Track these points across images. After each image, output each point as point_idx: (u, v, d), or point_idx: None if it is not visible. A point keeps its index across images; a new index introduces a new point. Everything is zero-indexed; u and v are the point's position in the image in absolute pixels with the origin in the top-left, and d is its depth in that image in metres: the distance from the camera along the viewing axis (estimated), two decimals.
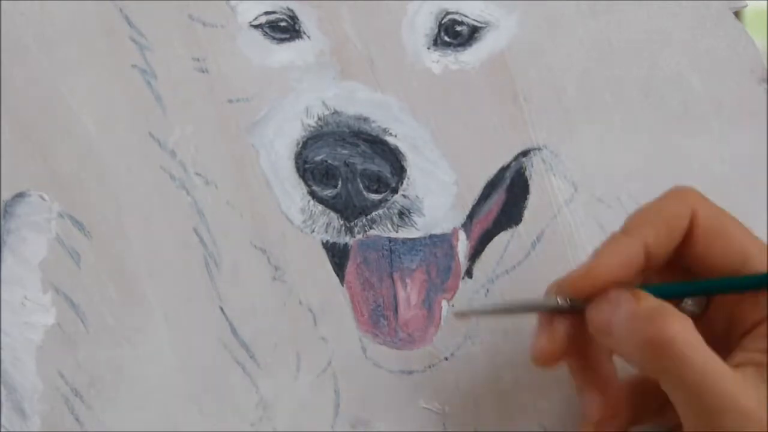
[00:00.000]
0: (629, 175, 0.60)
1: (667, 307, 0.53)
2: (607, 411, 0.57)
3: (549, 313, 0.56)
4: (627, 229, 0.55)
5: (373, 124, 0.61)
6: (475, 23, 0.63)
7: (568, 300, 0.55)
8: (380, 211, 0.61)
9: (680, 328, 0.52)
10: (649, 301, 0.54)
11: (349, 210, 0.61)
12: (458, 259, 0.62)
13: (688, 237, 0.55)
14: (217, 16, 0.63)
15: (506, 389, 0.62)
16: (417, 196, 0.61)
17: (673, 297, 0.56)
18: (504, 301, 0.61)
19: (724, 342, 0.55)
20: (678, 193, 0.56)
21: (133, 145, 0.62)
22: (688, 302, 0.57)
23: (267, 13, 0.63)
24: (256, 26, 0.63)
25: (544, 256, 0.62)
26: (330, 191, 0.61)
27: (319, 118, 0.61)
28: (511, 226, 0.63)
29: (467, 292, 0.62)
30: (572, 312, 0.55)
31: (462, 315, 0.61)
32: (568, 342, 0.56)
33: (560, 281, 0.56)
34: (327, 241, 0.62)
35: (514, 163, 0.63)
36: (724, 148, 0.63)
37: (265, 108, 0.62)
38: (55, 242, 0.62)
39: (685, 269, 0.56)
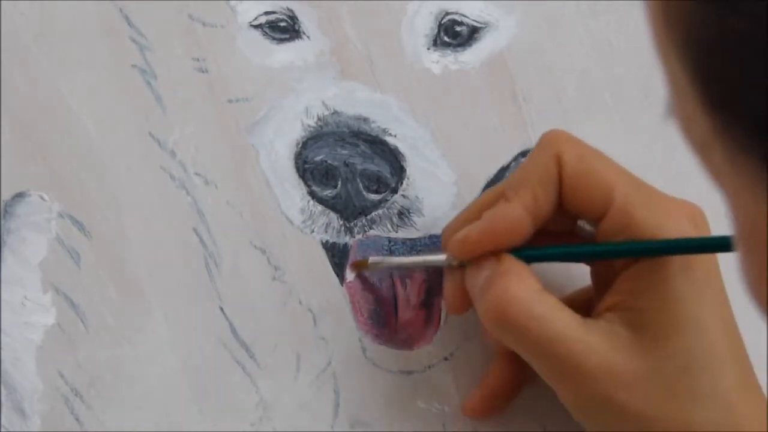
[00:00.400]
0: None
1: (512, 272, 0.53)
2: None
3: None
4: (505, 195, 0.55)
5: (372, 125, 0.61)
6: (475, 23, 0.63)
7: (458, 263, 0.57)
8: (380, 211, 0.61)
9: (517, 293, 0.52)
10: (504, 264, 0.54)
11: (348, 210, 0.61)
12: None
13: (559, 183, 0.55)
14: (217, 16, 0.63)
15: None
16: (417, 196, 0.61)
17: (546, 260, 0.56)
18: (410, 258, 0.61)
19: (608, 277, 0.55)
20: (543, 144, 0.56)
21: (133, 145, 0.62)
22: (585, 226, 0.57)
23: (267, 13, 0.63)
24: (256, 26, 0.63)
25: None
26: (330, 191, 0.61)
27: (319, 119, 0.61)
28: None
29: None
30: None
31: (360, 266, 0.61)
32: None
33: (449, 241, 0.57)
34: (327, 241, 0.62)
35: (513, 163, 0.63)
36: None
37: (265, 108, 0.62)
38: (55, 242, 0.62)
39: (567, 212, 0.56)
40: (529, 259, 0.55)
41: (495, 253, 0.55)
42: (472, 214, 0.57)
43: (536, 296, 0.52)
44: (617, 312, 0.53)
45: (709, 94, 0.31)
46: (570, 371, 0.51)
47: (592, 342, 0.51)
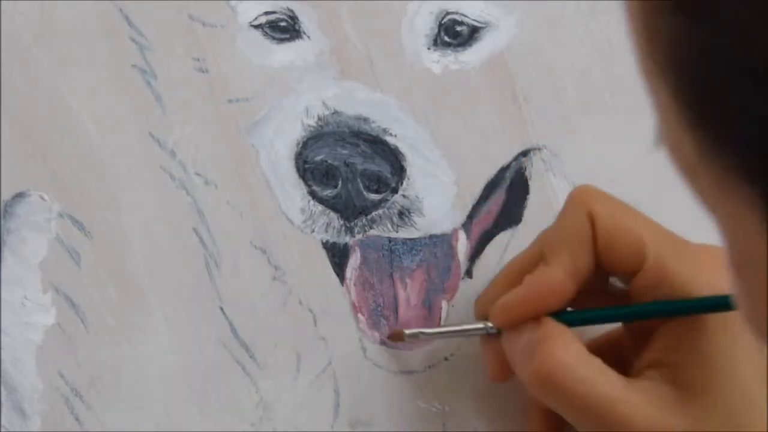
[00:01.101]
0: (629, 175, 0.60)
1: (554, 336, 0.53)
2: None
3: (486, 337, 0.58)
4: (544, 258, 0.55)
5: (373, 124, 0.61)
6: (475, 23, 0.63)
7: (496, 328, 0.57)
8: (380, 211, 0.61)
9: (563, 358, 0.52)
10: (545, 328, 0.54)
11: (349, 210, 0.61)
12: (458, 259, 0.62)
13: (594, 243, 0.55)
14: (217, 16, 0.63)
15: (506, 389, 0.61)
16: (417, 196, 0.61)
17: (586, 323, 0.56)
18: (446, 327, 0.61)
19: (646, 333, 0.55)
20: (575, 202, 0.56)
21: (133, 145, 0.62)
22: (617, 283, 0.57)
23: (267, 13, 0.63)
24: (256, 26, 0.63)
25: None
26: (330, 191, 0.61)
27: (319, 118, 0.61)
28: (511, 227, 0.63)
29: (467, 292, 0.62)
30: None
31: (397, 338, 0.61)
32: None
33: (492, 309, 0.57)
34: (327, 241, 0.62)
35: (513, 163, 0.63)
36: None
37: (265, 108, 0.62)
38: (55, 242, 0.62)
39: (599, 270, 0.56)
40: (568, 323, 0.55)
41: (535, 318, 0.55)
42: (509, 279, 0.57)
43: (581, 359, 0.52)
44: (658, 369, 0.53)
45: (692, 113, 0.30)
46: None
47: (637, 402, 0.51)
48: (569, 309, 0.56)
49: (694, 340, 0.53)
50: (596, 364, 0.52)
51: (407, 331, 0.60)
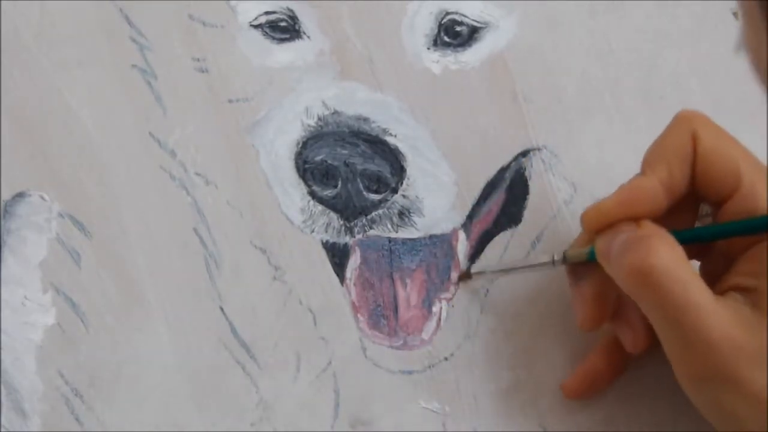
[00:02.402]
0: (629, 175, 0.60)
1: (658, 235, 0.54)
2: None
3: (574, 276, 0.58)
4: (642, 170, 0.56)
5: (373, 124, 0.61)
6: (475, 23, 0.63)
7: (564, 255, 0.57)
8: (380, 211, 0.61)
9: (664, 256, 0.52)
10: (646, 228, 0.54)
11: (349, 210, 0.61)
12: (458, 259, 0.62)
13: (693, 162, 0.56)
14: (217, 16, 0.63)
15: (506, 389, 0.62)
16: (417, 196, 0.61)
17: (690, 241, 0.56)
18: (509, 262, 0.61)
19: (727, 263, 0.56)
20: (680, 121, 0.56)
21: (133, 145, 0.62)
22: (705, 209, 0.58)
23: (267, 13, 0.63)
24: (256, 26, 0.63)
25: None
26: (330, 191, 0.61)
27: (319, 118, 0.61)
28: (510, 227, 0.63)
29: (467, 292, 0.62)
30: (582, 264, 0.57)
31: (468, 276, 0.61)
32: (601, 300, 0.57)
33: (584, 213, 0.57)
34: (327, 241, 0.62)
35: (513, 163, 0.63)
36: None
37: (265, 108, 0.62)
38: (55, 242, 0.62)
39: (697, 193, 0.57)
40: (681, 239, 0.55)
41: (634, 220, 0.55)
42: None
43: (682, 261, 0.53)
44: (740, 291, 0.54)
45: None
46: (699, 341, 0.51)
47: (723, 315, 0.52)
48: None
49: None
50: (693, 270, 0.53)
51: (473, 270, 0.61)
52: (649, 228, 0.54)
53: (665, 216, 0.56)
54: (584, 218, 0.57)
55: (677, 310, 0.52)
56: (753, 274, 0.54)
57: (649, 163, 0.56)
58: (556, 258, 0.58)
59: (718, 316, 0.51)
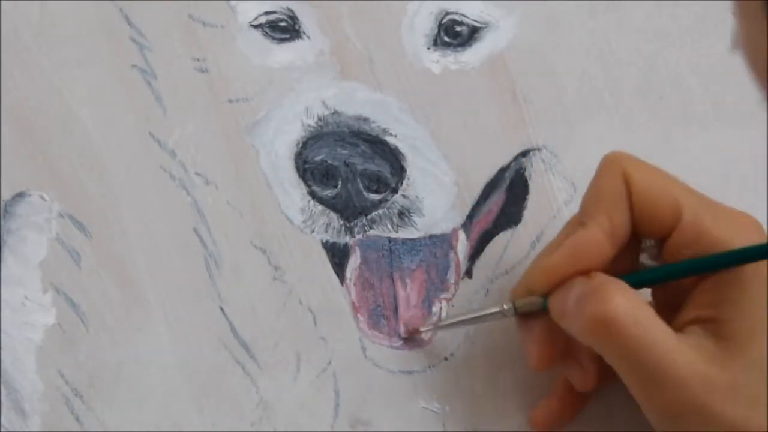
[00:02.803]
0: None
1: (611, 283, 0.53)
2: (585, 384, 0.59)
3: (524, 318, 0.58)
4: (581, 220, 0.56)
5: (373, 124, 0.61)
6: (475, 23, 0.63)
7: (514, 306, 0.57)
8: (380, 211, 0.61)
9: (621, 303, 0.52)
10: (598, 278, 0.54)
11: (349, 210, 0.61)
12: (458, 259, 0.62)
13: (630, 204, 0.56)
14: (217, 16, 0.63)
15: (506, 389, 0.62)
16: (417, 196, 0.61)
17: (644, 284, 0.56)
18: (462, 314, 0.61)
19: (677, 293, 0.56)
20: (608, 165, 0.56)
21: (133, 145, 0.62)
22: (647, 260, 0.58)
23: (267, 13, 0.63)
24: (256, 26, 0.63)
25: None
26: (330, 191, 0.61)
27: (319, 118, 0.61)
28: (510, 227, 0.63)
29: (467, 292, 0.62)
30: (533, 314, 0.57)
31: (424, 332, 0.61)
32: (551, 341, 0.57)
33: (524, 281, 0.57)
34: (327, 241, 0.62)
35: (513, 163, 0.63)
36: (724, 148, 0.63)
37: (265, 108, 0.62)
38: (55, 242, 0.62)
39: (638, 231, 0.57)
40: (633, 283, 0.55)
41: (583, 273, 0.55)
42: (540, 259, 0.57)
43: (638, 305, 0.53)
44: (699, 324, 0.54)
45: None
46: (667, 380, 0.51)
47: (687, 352, 0.52)
48: None
49: (733, 294, 0.53)
50: (651, 312, 0.53)
51: (422, 329, 0.61)
52: (601, 278, 0.54)
53: (611, 261, 0.56)
54: (531, 280, 0.57)
55: (641, 354, 0.51)
56: (711, 305, 0.54)
57: (587, 212, 0.56)
58: (506, 308, 0.58)
59: (682, 353, 0.51)
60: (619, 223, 0.55)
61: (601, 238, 0.55)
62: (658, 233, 0.56)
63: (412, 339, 0.61)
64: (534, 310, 0.57)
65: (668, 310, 0.56)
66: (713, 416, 0.51)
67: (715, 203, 0.56)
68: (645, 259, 0.58)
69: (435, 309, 0.62)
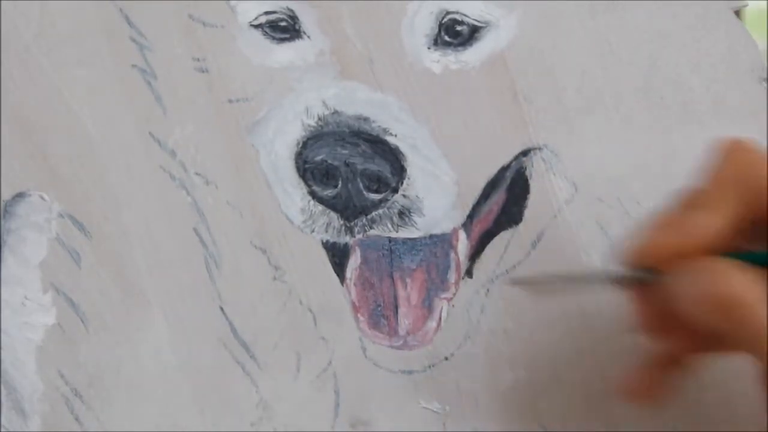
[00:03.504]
0: (629, 175, 0.60)
1: (735, 265, 0.53)
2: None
3: (640, 288, 0.56)
4: (705, 203, 0.55)
5: (373, 124, 0.61)
6: (476, 23, 0.63)
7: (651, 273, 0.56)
8: (380, 211, 0.61)
9: (747, 285, 0.52)
10: (720, 263, 0.54)
11: (349, 210, 0.61)
12: (458, 258, 0.62)
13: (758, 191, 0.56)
14: (217, 16, 0.63)
15: (506, 389, 0.62)
16: (417, 196, 0.61)
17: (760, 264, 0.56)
18: (567, 271, 0.61)
19: None
20: (737, 152, 0.55)
21: (133, 145, 0.62)
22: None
23: (267, 13, 0.63)
24: (256, 26, 0.63)
25: (544, 256, 0.62)
26: (330, 191, 0.61)
27: (319, 118, 0.61)
28: (511, 226, 0.63)
29: (467, 292, 0.62)
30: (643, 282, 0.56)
31: (519, 283, 0.61)
32: (661, 312, 0.56)
33: (639, 252, 0.56)
34: (327, 241, 0.62)
35: (514, 162, 0.63)
36: None
37: (265, 108, 0.62)
38: (55, 242, 0.62)
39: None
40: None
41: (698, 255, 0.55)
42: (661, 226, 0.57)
43: (757, 284, 0.53)
44: None
45: None
46: None
47: None
48: None
49: None
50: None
51: (525, 278, 0.60)
52: (725, 260, 0.54)
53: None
54: (646, 253, 0.56)
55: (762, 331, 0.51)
56: None
57: (712, 196, 0.55)
58: (645, 275, 0.56)
59: None
60: (741, 212, 0.55)
61: (721, 225, 0.55)
62: None
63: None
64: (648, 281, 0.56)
65: None
66: None
67: None
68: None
69: (435, 309, 0.62)
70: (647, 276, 0.55)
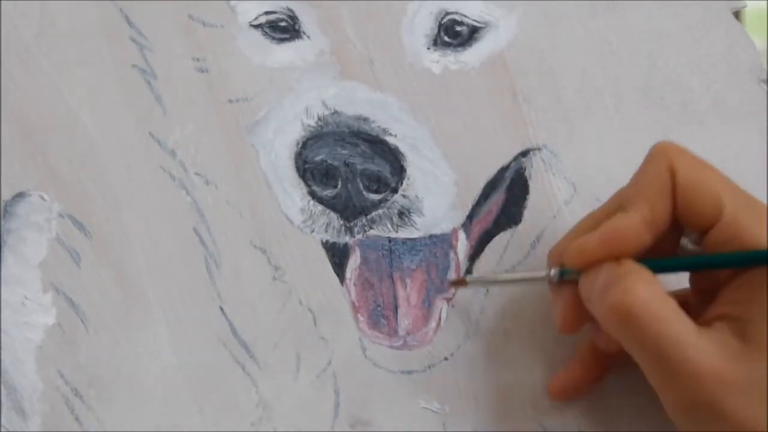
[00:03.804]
0: (629, 175, 0.60)
1: (635, 273, 0.54)
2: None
3: (557, 284, 0.58)
4: (623, 206, 0.56)
5: (373, 124, 0.61)
6: (475, 23, 0.63)
7: (559, 273, 0.57)
8: (380, 211, 0.61)
9: (641, 294, 0.53)
10: (624, 267, 0.54)
11: (348, 210, 0.61)
12: (458, 259, 0.62)
13: (673, 195, 0.56)
14: (217, 16, 0.63)
15: (506, 389, 0.62)
16: (417, 196, 0.61)
17: (670, 271, 0.56)
18: (503, 274, 0.61)
19: (711, 285, 0.56)
20: (655, 155, 0.56)
21: (133, 145, 0.62)
22: (688, 245, 0.58)
23: (267, 13, 0.63)
24: (256, 26, 0.63)
25: (543, 256, 0.62)
26: (330, 191, 0.61)
27: (319, 118, 0.61)
28: (510, 226, 0.63)
29: (467, 292, 0.62)
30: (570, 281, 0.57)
31: (459, 284, 0.61)
32: (580, 307, 0.57)
33: (561, 253, 0.57)
34: (327, 241, 0.62)
35: (513, 163, 0.63)
36: (724, 148, 0.63)
37: (265, 108, 0.62)
38: (55, 242, 0.62)
39: (679, 223, 0.57)
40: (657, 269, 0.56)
41: (615, 259, 0.55)
42: (584, 230, 0.57)
43: (661, 298, 0.53)
44: (725, 321, 0.54)
45: None
46: (683, 375, 0.52)
47: (707, 348, 0.52)
48: None
49: (760, 295, 0.53)
50: (673, 305, 0.53)
51: (469, 278, 0.61)
52: (627, 266, 0.54)
53: (648, 248, 0.56)
54: (568, 256, 0.57)
55: (658, 347, 0.52)
56: (738, 303, 0.54)
57: (629, 199, 0.56)
58: (552, 274, 0.58)
59: (701, 349, 0.51)
60: (660, 214, 0.55)
61: (639, 227, 0.55)
62: (699, 227, 0.56)
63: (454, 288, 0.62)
64: (571, 279, 0.57)
65: (705, 296, 0.56)
66: (724, 413, 0.51)
67: (759, 203, 0.56)
68: (686, 243, 0.58)
69: (435, 309, 0.62)
70: (573, 275, 0.57)
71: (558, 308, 0.58)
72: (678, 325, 0.52)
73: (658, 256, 0.56)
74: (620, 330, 0.53)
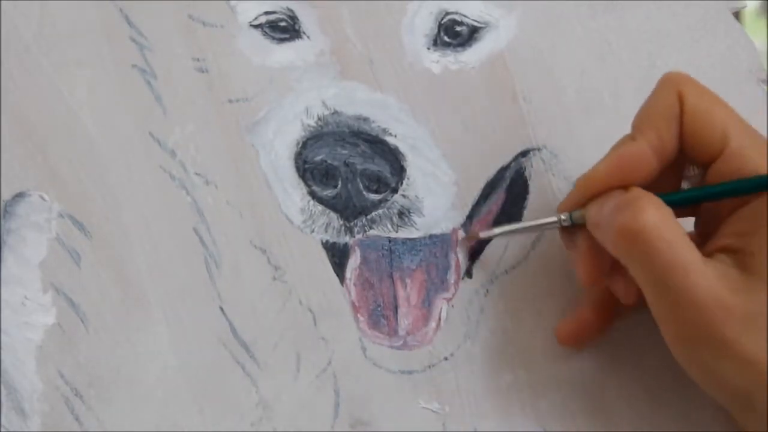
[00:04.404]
0: None
1: (645, 197, 0.54)
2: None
3: (570, 235, 0.58)
4: (632, 134, 0.56)
5: (372, 124, 0.61)
6: (475, 23, 0.63)
7: (570, 216, 0.57)
8: (380, 211, 0.61)
9: (651, 217, 0.53)
10: (634, 192, 0.54)
11: (348, 210, 0.61)
12: (458, 259, 0.62)
13: (681, 123, 0.56)
14: (217, 16, 0.63)
15: (506, 389, 0.62)
16: (417, 196, 0.61)
17: (675, 204, 0.56)
18: (513, 224, 0.61)
19: (714, 225, 0.56)
20: (665, 83, 0.57)
21: (133, 145, 0.62)
22: (687, 184, 0.58)
23: (267, 13, 0.63)
24: (256, 26, 0.63)
25: (543, 257, 0.62)
26: (330, 191, 0.61)
27: (319, 118, 0.61)
28: None
29: (467, 292, 0.62)
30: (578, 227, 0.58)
31: (473, 238, 0.62)
32: (597, 254, 0.57)
33: (569, 204, 0.58)
34: (327, 241, 0.62)
35: (513, 163, 0.63)
36: None
37: (265, 108, 0.62)
38: (55, 242, 0.62)
39: (684, 154, 0.57)
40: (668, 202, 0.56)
41: (624, 187, 0.56)
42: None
43: (670, 221, 0.53)
44: (727, 253, 0.54)
45: None
46: (686, 301, 0.52)
47: (710, 276, 0.52)
48: None
49: (762, 227, 0.53)
50: (683, 231, 0.53)
51: (482, 233, 0.61)
52: (637, 191, 0.55)
53: (654, 179, 0.56)
54: (577, 185, 0.57)
55: (664, 271, 0.52)
56: (740, 235, 0.54)
57: (638, 127, 0.56)
58: (563, 218, 0.58)
59: (705, 276, 0.52)
60: (667, 141, 0.56)
61: (647, 153, 0.55)
62: (704, 157, 0.56)
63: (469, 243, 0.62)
64: (582, 222, 0.57)
65: (709, 239, 0.56)
66: (725, 342, 0.51)
67: (763, 137, 0.56)
68: (687, 186, 0.58)
69: (435, 309, 0.62)
70: (583, 220, 0.57)
71: (575, 258, 0.58)
72: (685, 251, 0.52)
73: (663, 190, 0.56)
74: (628, 252, 0.53)
